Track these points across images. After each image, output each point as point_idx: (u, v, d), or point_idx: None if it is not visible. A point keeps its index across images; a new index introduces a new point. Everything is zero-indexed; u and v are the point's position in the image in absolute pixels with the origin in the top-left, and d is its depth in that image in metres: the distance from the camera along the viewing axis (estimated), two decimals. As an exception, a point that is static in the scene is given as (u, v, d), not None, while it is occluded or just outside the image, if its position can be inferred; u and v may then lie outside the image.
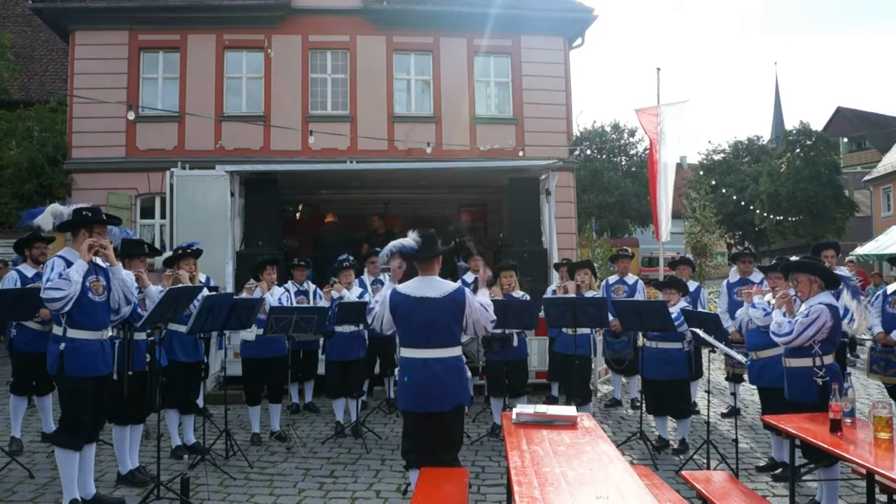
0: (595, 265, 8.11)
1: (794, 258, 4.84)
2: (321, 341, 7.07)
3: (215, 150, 14.46)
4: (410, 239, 4.20)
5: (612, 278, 8.14)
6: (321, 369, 7.25)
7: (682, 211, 32.60)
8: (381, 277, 7.80)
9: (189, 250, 5.96)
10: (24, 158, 13.77)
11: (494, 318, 4.39)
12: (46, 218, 4.54)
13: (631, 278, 8.07)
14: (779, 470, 5.36)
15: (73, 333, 4.26)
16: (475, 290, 4.54)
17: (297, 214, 11.49)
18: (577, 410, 4.05)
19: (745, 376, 7.19)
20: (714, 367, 9.27)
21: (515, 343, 6.34)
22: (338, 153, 14.43)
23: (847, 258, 14.01)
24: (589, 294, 6.69)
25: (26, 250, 6.03)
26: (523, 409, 3.92)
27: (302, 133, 14.59)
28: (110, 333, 4.55)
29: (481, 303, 4.30)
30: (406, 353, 4.18)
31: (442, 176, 10.36)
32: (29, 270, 5.88)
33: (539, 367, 7.96)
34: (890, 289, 6.09)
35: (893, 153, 34.07)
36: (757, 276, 6.97)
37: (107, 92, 13.90)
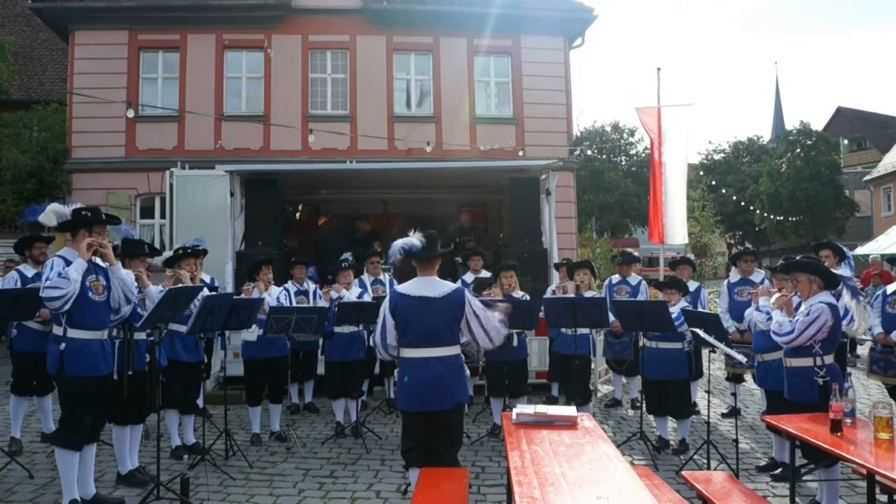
0: (595, 265, 8.10)
1: (799, 258, 4.84)
2: (320, 342, 7.06)
3: (215, 149, 14.46)
4: (415, 238, 4.21)
5: (615, 278, 8.11)
6: (321, 369, 7.25)
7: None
8: (381, 277, 7.80)
9: (190, 250, 5.96)
10: (25, 161, 13.76)
11: (496, 341, 4.34)
12: (49, 215, 4.53)
13: (634, 279, 8.05)
14: (779, 470, 5.36)
15: (73, 333, 4.25)
16: (477, 294, 4.53)
17: (297, 214, 11.49)
18: (577, 410, 4.05)
19: (746, 376, 7.22)
20: (714, 367, 9.26)
21: (515, 343, 6.33)
22: (338, 153, 14.43)
23: (871, 257, 13.99)
24: (588, 294, 6.69)
25: (26, 250, 6.03)
26: (523, 409, 3.91)
27: (302, 133, 14.60)
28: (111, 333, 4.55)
29: (496, 320, 4.29)
30: (406, 353, 4.18)
31: (442, 176, 10.37)
32: (29, 270, 5.88)
33: (539, 367, 7.95)
34: (890, 289, 6.08)
35: (893, 153, 34.08)
36: (757, 275, 6.96)
37: (107, 92, 13.89)
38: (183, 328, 5.43)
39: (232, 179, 8.71)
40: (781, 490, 5.02)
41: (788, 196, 34.78)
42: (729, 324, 6.60)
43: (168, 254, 6.24)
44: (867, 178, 35.60)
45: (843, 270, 5.55)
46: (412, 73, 15.71)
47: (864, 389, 8.47)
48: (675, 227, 11.19)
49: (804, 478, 4.76)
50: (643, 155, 36.33)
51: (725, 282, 7.23)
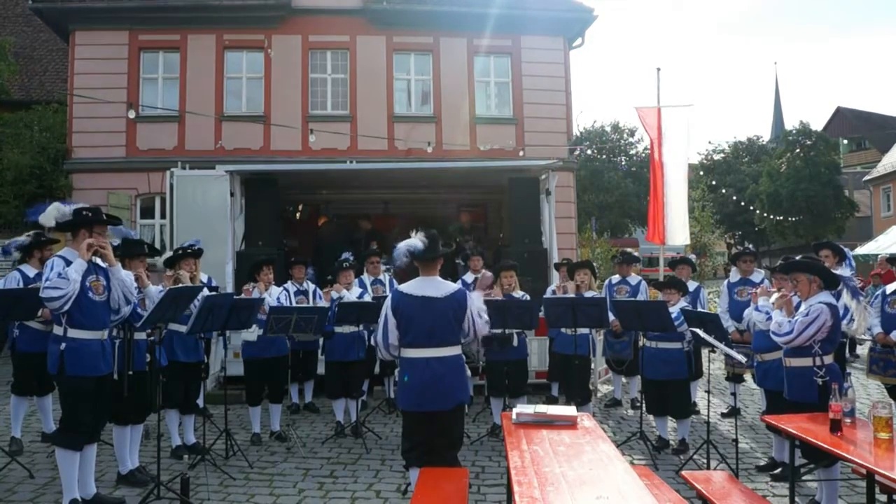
0: (595, 265, 8.10)
1: (799, 258, 4.84)
2: (321, 342, 7.06)
3: (215, 150, 14.45)
4: (417, 239, 4.22)
5: (615, 278, 8.12)
6: (321, 369, 7.25)
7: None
8: (381, 277, 7.80)
9: (189, 250, 5.96)
10: (25, 162, 13.75)
11: (481, 333, 4.41)
12: (50, 214, 4.53)
13: (634, 279, 8.05)
14: (779, 470, 5.36)
15: (73, 333, 4.26)
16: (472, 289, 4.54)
17: (297, 214, 11.50)
18: (577, 410, 4.05)
19: (746, 376, 7.22)
20: (714, 367, 9.26)
21: (515, 343, 6.34)
22: (338, 153, 14.42)
23: (880, 257, 13.95)
24: (588, 294, 6.69)
25: (37, 252, 6.03)
26: (523, 409, 3.92)
27: (302, 133, 14.59)
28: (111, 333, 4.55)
29: (477, 307, 4.33)
30: (407, 353, 4.19)
31: (442, 176, 10.37)
32: (31, 271, 5.89)
33: (539, 367, 7.96)
34: (889, 289, 6.08)
35: (893, 153, 34.08)
36: (757, 275, 6.97)
37: (107, 92, 13.89)
38: (183, 328, 5.43)
39: (232, 179, 8.71)
40: (781, 490, 5.03)
41: (788, 196, 34.80)
42: (729, 324, 6.60)
43: (168, 254, 6.24)
44: (867, 178, 35.61)
45: (844, 270, 5.55)
46: (412, 73, 15.70)
47: (864, 389, 8.48)
48: (677, 227, 11.13)
49: (804, 478, 4.77)
50: (643, 155, 36.35)
51: (725, 282, 7.24)
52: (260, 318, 5.98)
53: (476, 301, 4.38)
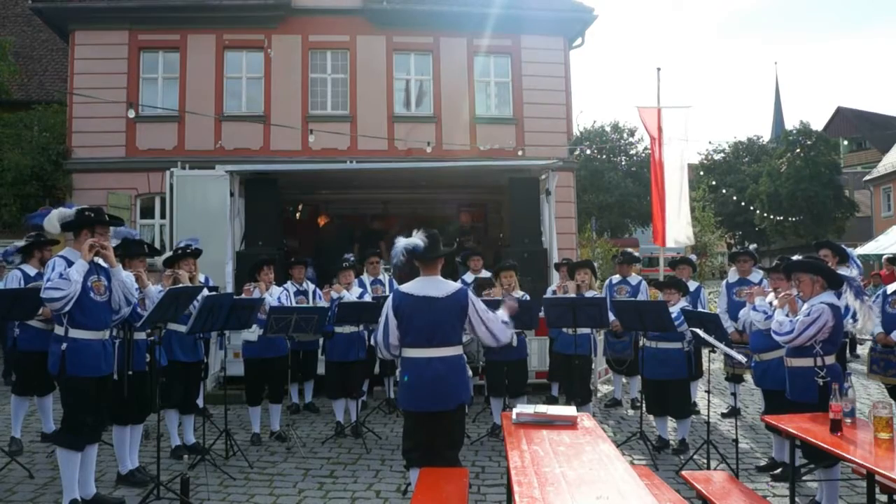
0: (595, 265, 8.10)
1: (797, 258, 4.83)
2: (321, 342, 7.06)
3: (215, 150, 14.46)
4: (418, 238, 4.20)
5: (616, 278, 8.11)
6: (321, 369, 7.25)
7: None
8: (381, 277, 7.80)
9: (188, 250, 5.96)
10: (26, 162, 13.74)
11: (502, 340, 4.35)
12: (53, 219, 4.53)
13: (634, 279, 8.05)
14: (779, 470, 5.36)
15: (75, 333, 4.26)
16: (478, 294, 4.52)
17: (297, 214, 11.50)
18: (577, 410, 4.05)
19: (746, 376, 7.22)
20: (714, 367, 9.26)
21: (515, 343, 6.32)
22: (338, 153, 14.43)
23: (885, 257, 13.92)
24: (589, 294, 6.69)
25: (37, 252, 6.04)
26: (523, 409, 3.91)
27: (302, 133, 14.60)
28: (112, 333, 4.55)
29: (500, 320, 4.31)
30: (408, 353, 4.18)
31: (442, 176, 10.36)
32: (31, 270, 5.90)
33: (539, 367, 7.95)
34: (890, 289, 6.08)
35: (893, 153, 34.07)
36: (756, 275, 6.96)
37: (107, 92, 13.90)
38: (182, 328, 5.43)
39: (232, 179, 8.72)
40: (781, 490, 5.03)
41: (788, 196, 34.81)
42: (728, 324, 6.60)
43: (168, 254, 6.24)
44: (867, 178, 35.59)
45: (851, 271, 5.55)
46: (412, 73, 15.71)
47: (865, 389, 8.47)
48: (680, 227, 11.11)
49: (804, 478, 4.77)
50: (643, 155, 36.37)
51: (724, 282, 7.23)
52: (260, 318, 5.98)
53: (499, 312, 4.37)
